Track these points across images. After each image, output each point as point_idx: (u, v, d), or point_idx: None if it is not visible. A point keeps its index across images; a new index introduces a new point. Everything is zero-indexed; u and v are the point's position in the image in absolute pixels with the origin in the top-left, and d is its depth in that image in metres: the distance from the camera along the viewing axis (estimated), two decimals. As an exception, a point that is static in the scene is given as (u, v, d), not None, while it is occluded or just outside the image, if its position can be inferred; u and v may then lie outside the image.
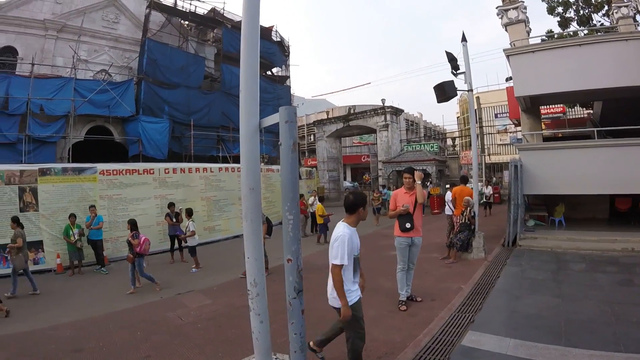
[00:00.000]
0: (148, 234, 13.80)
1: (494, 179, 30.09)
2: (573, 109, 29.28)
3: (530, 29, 15.93)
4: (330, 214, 15.73)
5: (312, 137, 45.39)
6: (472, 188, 11.62)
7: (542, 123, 21.01)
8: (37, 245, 12.15)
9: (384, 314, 6.78)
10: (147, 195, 14.79)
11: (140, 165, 15.47)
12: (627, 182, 11.78)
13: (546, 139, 17.19)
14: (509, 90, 23.29)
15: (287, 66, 29.11)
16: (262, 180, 18.87)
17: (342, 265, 4.27)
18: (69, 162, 16.53)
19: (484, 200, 19.79)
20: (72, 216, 12.14)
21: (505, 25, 15.77)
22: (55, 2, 19.89)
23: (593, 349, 5.09)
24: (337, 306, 4.42)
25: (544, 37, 19.29)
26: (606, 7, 20.57)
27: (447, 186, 19.73)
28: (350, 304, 4.33)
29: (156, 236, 14.36)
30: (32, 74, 17.17)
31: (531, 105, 16.38)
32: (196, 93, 22.09)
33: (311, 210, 16.80)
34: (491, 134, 41.49)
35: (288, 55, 28.98)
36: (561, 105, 28.42)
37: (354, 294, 4.45)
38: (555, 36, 20.65)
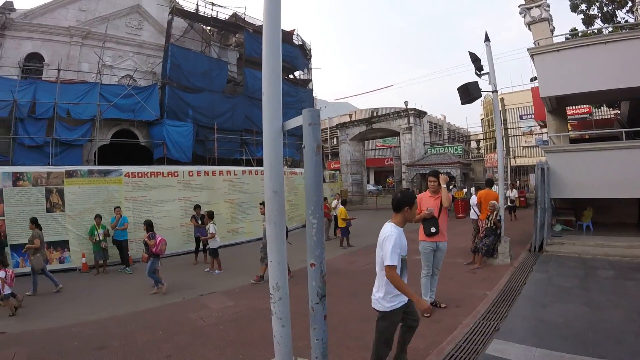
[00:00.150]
0: (172, 235, 14.08)
1: (518, 182, 29.30)
2: (599, 110, 28.44)
3: (554, 28, 15.47)
4: (353, 218, 15.50)
5: (335, 140, 45.10)
6: (497, 191, 11.29)
7: (568, 124, 20.42)
8: (63, 244, 12.43)
9: None
10: (172, 198, 14.85)
11: (165, 168, 15.57)
12: (657, 185, 11.20)
13: (573, 140, 16.58)
14: (534, 91, 22.71)
15: (309, 69, 29.05)
16: (286, 183, 18.91)
17: (395, 265, 4.08)
18: (95, 164, 16.84)
19: (509, 204, 19.26)
20: (98, 217, 12.30)
21: (529, 24, 15.36)
22: (79, 9, 20.44)
23: (621, 360, 4.81)
24: (379, 309, 4.27)
25: (567, 36, 18.79)
26: (630, 4, 19.95)
27: (472, 189, 19.33)
28: (392, 308, 4.20)
29: (180, 237, 14.49)
30: (58, 79, 17.60)
31: (557, 106, 15.88)
32: (219, 97, 22.22)
33: (334, 214, 16.62)
34: (516, 136, 40.65)
35: (310, 59, 28.94)
36: (587, 105, 27.65)
37: (397, 299, 4.24)
38: (580, 34, 20.10)
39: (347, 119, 40.32)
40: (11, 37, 18.92)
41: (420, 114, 31.18)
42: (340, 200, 16.32)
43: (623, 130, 13.50)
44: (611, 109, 26.19)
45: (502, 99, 38.12)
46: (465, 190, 24.88)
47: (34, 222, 10.38)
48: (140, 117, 19.34)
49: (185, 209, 14.84)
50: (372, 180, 51.26)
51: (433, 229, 6.68)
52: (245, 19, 24.45)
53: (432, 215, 6.66)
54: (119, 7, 21.40)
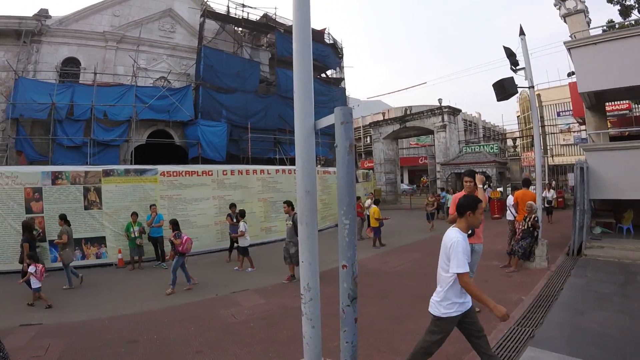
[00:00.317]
0: (206, 233, 14.24)
1: (553, 182, 28.12)
2: (639, 105, 27.11)
3: (590, 20, 14.79)
4: (386, 218, 15.20)
5: (368, 138, 44.66)
6: (535, 192, 10.80)
7: (608, 121, 19.47)
8: (100, 240, 12.70)
9: None
10: (206, 196, 14.90)
11: (199, 167, 15.66)
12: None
13: (613, 138, 15.76)
14: (572, 87, 21.72)
15: (342, 68, 28.88)
16: (319, 182, 18.73)
17: (467, 272, 3.90)
18: (131, 163, 17.36)
19: (547, 205, 18.45)
20: (134, 214, 12.48)
21: (564, 16, 14.71)
22: (113, 15, 21.15)
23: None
24: (433, 313, 4.11)
25: (604, 28, 17.91)
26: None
27: (509, 189, 18.68)
28: (446, 315, 4.02)
29: (214, 235, 14.53)
30: (95, 82, 18.30)
31: (596, 102, 15.04)
32: (252, 97, 22.34)
33: (367, 213, 16.36)
34: (554, 133, 39.11)
35: (342, 57, 28.77)
36: (627, 101, 26.37)
37: (454, 307, 4.04)
38: (617, 26, 19.18)
39: (381, 118, 39.98)
40: (47, 42, 19.71)
41: (454, 111, 30.50)
42: (373, 200, 16.00)
43: None
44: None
45: (538, 95, 36.93)
46: (501, 190, 24.16)
47: (63, 218, 10.72)
48: (175, 118, 19.78)
49: (219, 208, 14.88)
50: (406, 180, 50.57)
51: (469, 231, 6.41)
52: (276, 19, 24.53)
53: None
54: (152, 11, 21.94)
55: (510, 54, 10.96)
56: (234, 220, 12.93)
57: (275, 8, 24.74)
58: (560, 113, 41.21)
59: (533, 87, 11.10)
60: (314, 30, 25.98)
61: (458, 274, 3.90)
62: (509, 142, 40.79)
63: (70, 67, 20.03)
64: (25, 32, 18.73)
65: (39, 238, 11.06)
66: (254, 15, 24.27)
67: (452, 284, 3.97)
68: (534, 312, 6.67)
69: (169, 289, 9.29)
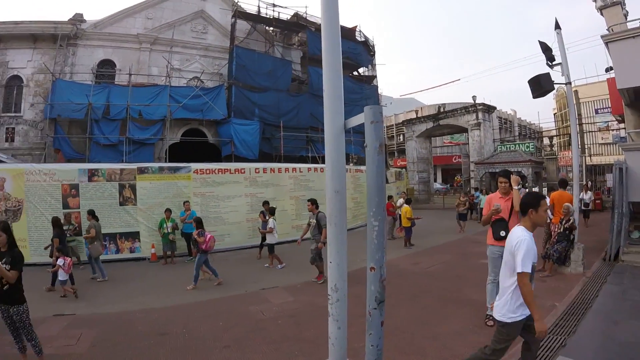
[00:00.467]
0: (238, 230, 14.34)
1: (589, 182, 26.84)
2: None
3: (627, 12, 14.12)
4: (418, 217, 14.88)
5: (401, 137, 44.17)
6: (572, 193, 10.27)
7: (648, 118, 18.47)
8: (134, 235, 13.04)
9: (469, 328, 6.14)
10: (238, 193, 14.98)
11: (232, 165, 15.78)
12: None
13: None
14: (610, 82, 20.80)
15: (374, 65, 28.57)
16: (351, 181, 18.62)
17: (528, 273, 3.72)
18: (166, 161, 17.59)
19: (584, 207, 17.54)
20: (168, 211, 12.66)
21: (600, 9, 14.10)
22: (146, 17, 21.67)
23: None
24: (498, 318, 3.93)
25: None
26: None
27: (545, 190, 18.00)
28: (512, 320, 3.83)
29: (245, 232, 14.59)
30: (130, 83, 18.88)
31: (635, 99, 14.26)
32: (285, 95, 22.38)
33: (399, 213, 16.07)
34: (592, 131, 37.36)
35: (374, 55, 28.47)
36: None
37: (519, 311, 3.85)
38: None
39: (413, 115, 39.40)
40: (83, 45, 20.47)
41: (489, 109, 29.77)
42: (405, 199, 15.69)
43: None
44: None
45: (575, 92, 35.36)
46: (537, 190, 23.36)
47: (91, 213, 11.02)
48: (208, 117, 20.07)
49: (251, 205, 14.94)
50: (439, 179, 49.77)
51: (503, 233, 6.08)
52: (307, 18, 24.51)
53: (499, 211, 6.09)
54: (184, 13, 22.30)
55: (545, 49, 10.59)
56: (267, 218, 12.92)
57: (306, 7, 24.91)
58: (599, 110, 39.40)
59: (570, 83, 10.69)
60: (345, 28, 26.06)
61: (518, 273, 3.72)
62: (546, 141, 39.59)
63: (105, 69, 20.71)
64: (61, 36, 19.48)
65: (75, 232, 11.37)
66: (285, 15, 24.34)
67: (517, 285, 3.79)
68: (567, 320, 6.36)
69: (190, 285, 9.35)
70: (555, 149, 36.23)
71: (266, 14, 23.27)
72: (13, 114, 19.38)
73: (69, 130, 18.70)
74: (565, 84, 10.62)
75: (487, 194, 18.22)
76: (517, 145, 30.14)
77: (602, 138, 39.00)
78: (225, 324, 6.76)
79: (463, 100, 34.93)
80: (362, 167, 20.65)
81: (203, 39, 22.73)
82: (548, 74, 10.29)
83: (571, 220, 9.51)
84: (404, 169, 31.66)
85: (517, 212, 6.21)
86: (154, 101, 18.85)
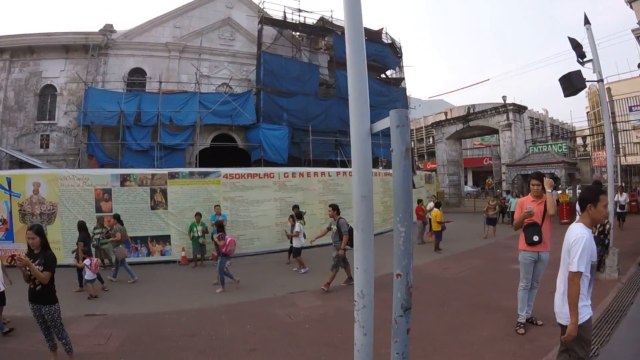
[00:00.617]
0: (267, 234, 14.37)
1: (622, 184, 25.51)
2: None
3: None
4: (448, 221, 14.54)
5: (430, 139, 43.54)
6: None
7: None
8: (165, 239, 13.26)
9: (499, 336, 5.92)
10: (268, 198, 15.01)
11: (261, 170, 15.85)
12: None
13: None
14: None
15: (401, 67, 28.25)
16: (380, 184, 18.42)
17: (581, 273, 3.54)
18: (196, 166, 17.96)
19: (619, 210, 16.62)
20: (198, 215, 12.76)
21: (630, 2, 13.55)
22: (174, 26, 22.12)
23: None
24: (564, 323, 3.71)
25: None
26: None
27: (578, 192, 17.24)
28: (582, 321, 3.62)
29: (275, 236, 14.56)
30: (160, 90, 19.32)
31: None
32: (313, 100, 22.37)
33: (429, 217, 15.74)
34: (626, 130, 35.55)
35: (401, 57, 28.16)
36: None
37: (585, 311, 3.67)
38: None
39: (443, 117, 38.83)
40: (114, 55, 21.09)
41: (519, 109, 28.99)
42: (435, 203, 15.36)
43: None
44: None
45: (608, 89, 33.83)
46: (570, 193, 22.53)
47: (117, 218, 11.46)
48: (237, 122, 20.29)
49: (280, 209, 14.94)
50: (470, 182, 48.62)
51: (536, 238, 5.87)
52: (333, 22, 24.41)
53: (532, 214, 5.82)
54: (211, 21, 22.63)
55: (576, 46, 10.22)
56: (294, 222, 12.87)
57: (332, 11, 24.64)
58: (632, 108, 37.63)
59: (602, 80, 10.24)
60: (371, 31, 25.95)
61: (571, 272, 3.56)
62: (579, 141, 38.24)
63: (136, 77, 21.30)
64: (93, 46, 20.17)
65: (107, 235, 11.54)
66: (311, 19, 24.40)
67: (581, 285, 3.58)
68: (600, 328, 6.04)
69: (219, 289, 9.41)
70: (588, 149, 34.78)
71: (292, 19, 23.37)
72: (47, 122, 20.16)
73: (101, 136, 19.26)
74: (597, 81, 10.20)
75: (518, 197, 17.68)
76: (549, 146, 29.11)
77: (637, 137, 37.25)
78: (252, 327, 6.76)
79: (493, 100, 34.23)
80: (392, 171, 20.41)
81: (231, 46, 22.99)
82: (579, 71, 9.88)
83: (606, 224, 9.06)
84: (434, 172, 31.14)
85: (551, 216, 5.93)
86: (184, 107, 19.19)
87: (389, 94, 25.46)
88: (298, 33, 24.94)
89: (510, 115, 28.05)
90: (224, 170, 14.47)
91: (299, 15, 23.40)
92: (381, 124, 2.61)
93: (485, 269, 10.50)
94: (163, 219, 13.27)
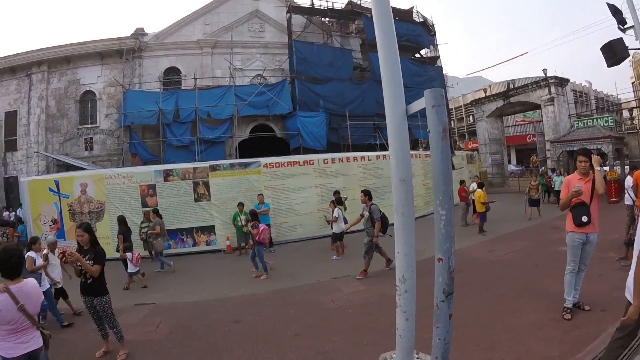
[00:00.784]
0: (309, 220, 14.43)
1: None
2: None
3: None
4: (492, 201, 14.06)
5: (470, 118, 42.23)
6: None
7: None
8: (210, 229, 13.68)
9: (545, 322, 5.59)
10: (308, 185, 15.05)
11: (300, 157, 15.90)
12: None
13: None
14: None
15: (435, 46, 27.47)
16: (421, 167, 18.11)
17: None
18: (236, 158, 18.12)
19: None
20: (240, 204, 12.93)
21: None
22: (204, 24, 22.54)
23: None
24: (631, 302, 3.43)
25: None
26: None
27: (627, 168, 16.27)
28: None
29: (317, 222, 14.52)
30: (196, 86, 19.73)
31: None
32: (348, 84, 22.12)
33: (472, 198, 15.24)
34: None
35: (434, 35, 27.38)
36: None
37: None
38: None
39: (482, 95, 37.24)
40: (148, 57, 21.79)
41: (561, 82, 27.52)
42: (478, 183, 14.85)
43: None
44: None
45: None
46: (618, 169, 21.31)
47: (156, 212, 11.98)
48: (274, 112, 20.42)
49: (321, 195, 14.95)
50: (513, 160, 46.73)
51: (585, 218, 5.45)
52: (361, 4, 24.02)
53: (581, 194, 5.42)
54: (240, 15, 22.81)
55: (615, 12, 9.73)
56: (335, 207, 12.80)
57: (360, -7, 24.22)
58: None
59: (646, 47, 9.57)
60: (401, 10, 25.39)
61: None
62: (625, 114, 36.13)
63: (171, 76, 21.90)
64: (126, 51, 20.96)
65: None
66: (339, 4, 24.09)
67: None
68: None
69: (263, 276, 9.53)
70: (636, 122, 32.93)
71: (320, 6, 23.14)
72: (90, 126, 21.16)
73: (143, 135, 19.89)
74: (640, 48, 9.57)
75: (562, 175, 16.84)
76: (594, 120, 27.43)
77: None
78: (296, 313, 6.81)
79: (533, 74, 32.81)
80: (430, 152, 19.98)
81: (261, 37, 23.09)
82: (621, 39, 9.40)
83: None
84: (475, 152, 30.25)
85: (599, 195, 5.53)
86: (221, 101, 19.51)
87: (424, 73, 24.84)
88: (327, 19, 24.72)
89: (552, 89, 26.74)
90: (263, 160, 14.66)
91: (327, 1, 23.17)
92: (417, 105, 2.53)
93: (531, 251, 10.02)
94: (207, 210, 13.64)
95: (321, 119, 20.30)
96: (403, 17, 24.47)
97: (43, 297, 4.15)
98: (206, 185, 13.73)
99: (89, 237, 5.30)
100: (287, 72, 21.91)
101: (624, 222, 9.52)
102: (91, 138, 20.90)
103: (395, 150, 2.73)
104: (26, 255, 6.86)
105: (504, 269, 8.67)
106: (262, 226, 9.75)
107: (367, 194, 9.66)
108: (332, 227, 12.44)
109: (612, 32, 10.85)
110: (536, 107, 30.01)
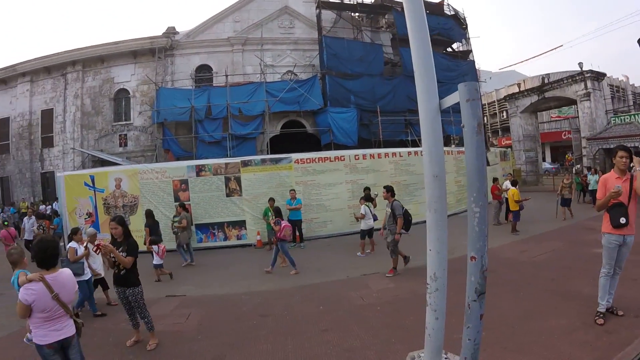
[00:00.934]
0: (340, 216, 14.43)
1: None
2: None
3: None
4: (526, 199, 13.70)
5: (504, 113, 41.15)
6: None
7: None
8: (241, 224, 13.85)
9: (576, 326, 5.40)
10: (339, 181, 15.01)
11: (331, 153, 15.83)
12: None
13: None
14: None
15: (467, 39, 26.87)
16: (454, 163, 17.87)
17: None
18: (267, 153, 18.23)
19: None
20: (271, 200, 12.96)
21: None
22: (234, 21, 22.73)
23: None
24: None
25: None
26: None
27: None
28: None
29: (347, 218, 14.49)
30: (227, 83, 19.97)
31: None
32: (379, 80, 21.91)
33: (505, 196, 14.85)
34: None
35: (466, 28, 26.82)
36: None
37: None
38: None
39: (516, 89, 36.28)
40: (180, 55, 22.23)
41: (598, 76, 26.48)
42: (511, 181, 14.46)
43: None
44: None
45: None
46: None
47: (182, 206, 12.14)
48: (305, 108, 20.42)
49: (352, 192, 14.87)
50: (548, 158, 45.22)
51: (623, 220, 5.19)
52: (392, -1, 23.73)
53: (621, 194, 5.16)
54: (269, 11, 22.93)
55: None
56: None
57: (389, -13, 23.93)
58: None
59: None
60: (432, 4, 25.04)
61: None
62: (665, 109, 34.49)
63: (203, 73, 22.28)
64: (158, 49, 21.46)
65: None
66: (368, -1, 23.89)
67: None
68: None
69: (292, 270, 9.57)
70: None
71: (349, 1, 23.01)
72: (124, 122, 21.80)
73: (175, 131, 20.27)
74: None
75: (597, 174, 16.25)
76: (632, 117, 26.24)
77: None
78: (325, 308, 6.81)
79: (569, 68, 31.76)
80: (464, 148, 19.60)
81: (291, 34, 23.15)
82: None
83: None
84: (509, 148, 29.49)
85: (638, 195, 5.28)
86: (252, 98, 19.65)
87: (457, 68, 24.39)
88: (357, 14, 24.56)
89: (588, 83, 25.80)
90: (294, 156, 14.71)
91: (356, -5, 22.99)
92: (450, 99, 2.49)
93: (564, 252, 9.70)
94: (238, 205, 13.79)
95: (352, 115, 20.21)
96: (434, 10, 24.11)
97: (77, 286, 4.27)
98: (238, 180, 13.89)
99: (122, 229, 5.47)
100: (317, 68, 21.87)
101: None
102: (125, 134, 21.55)
103: (429, 145, 2.71)
104: (68, 246, 7.32)
105: (536, 270, 8.41)
106: (283, 222, 9.86)
107: (389, 190, 9.40)
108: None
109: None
110: (572, 102, 29.15)
